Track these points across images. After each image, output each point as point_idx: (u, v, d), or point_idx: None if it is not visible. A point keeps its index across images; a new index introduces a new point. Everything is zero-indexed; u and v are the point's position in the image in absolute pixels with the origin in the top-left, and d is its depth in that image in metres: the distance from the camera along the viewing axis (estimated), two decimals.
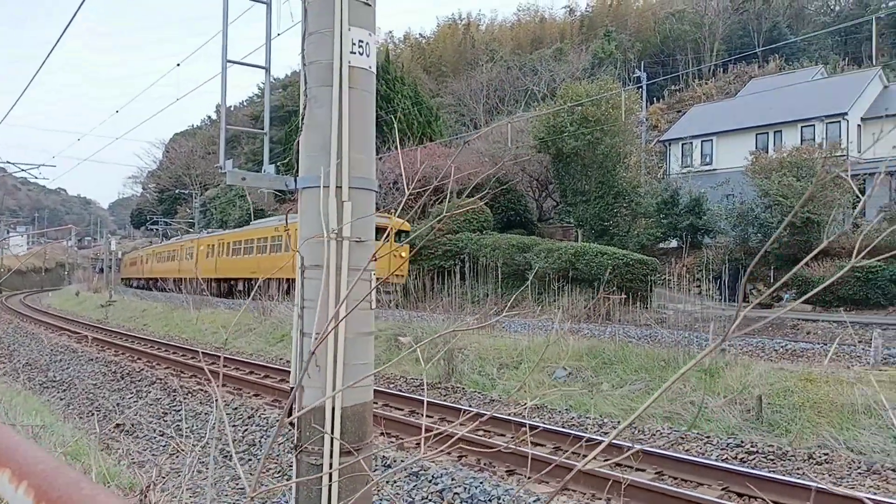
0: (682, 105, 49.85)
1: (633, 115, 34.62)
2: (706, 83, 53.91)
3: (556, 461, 4.43)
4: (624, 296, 16.00)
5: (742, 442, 8.06)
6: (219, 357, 15.61)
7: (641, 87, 38.71)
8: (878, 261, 20.63)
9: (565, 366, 12.01)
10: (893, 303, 20.51)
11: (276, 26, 6.53)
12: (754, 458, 7.61)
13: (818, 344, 13.47)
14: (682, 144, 38.67)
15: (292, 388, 5.04)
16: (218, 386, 2.28)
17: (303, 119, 5.78)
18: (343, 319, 4.81)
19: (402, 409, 9.66)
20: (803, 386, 9.60)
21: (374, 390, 10.94)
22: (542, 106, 39.47)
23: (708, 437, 8.27)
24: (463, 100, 53.60)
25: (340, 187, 5.37)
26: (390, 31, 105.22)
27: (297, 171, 5.98)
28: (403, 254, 24.37)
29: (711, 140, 37.57)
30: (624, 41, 57.87)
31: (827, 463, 7.36)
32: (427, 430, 3.11)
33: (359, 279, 5.35)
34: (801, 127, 34.08)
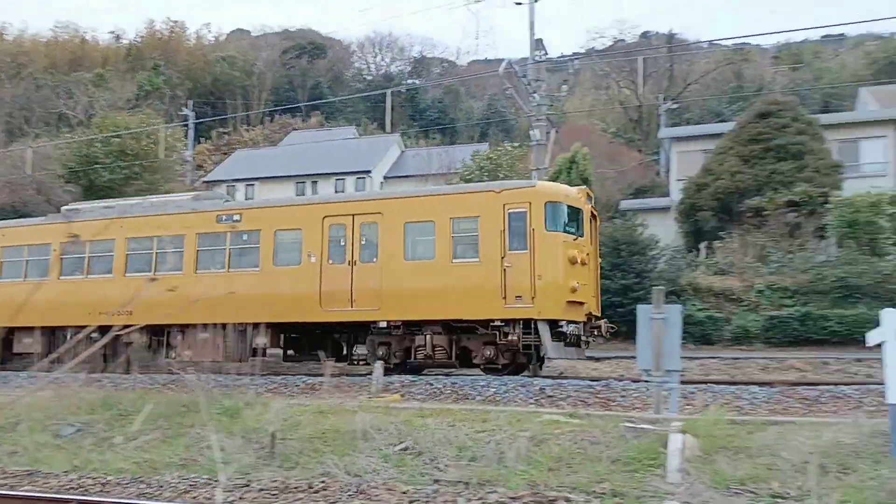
0: (229, 147, 50.57)
1: (175, 153, 33.83)
2: (253, 129, 55.80)
3: None
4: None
5: (251, 480, 8.20)
6: None
7: (188, 125, 38.17)
8: None
9: (74, 421, 10.80)
10: None
11: None
12: (261, 495, 7.80)
13: (333, 378, 14.65)
14: (227, 186, 39.28)
15: None
16: None
17: None
18: None
19: None
20: (314, 418, 10.33)
21: None
22: (75, 132, 35.92)
23: (217, 480, 8.21)
24: None
25: None
26: None
27: None
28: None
29: (254, 184, 39.02)
30: (173, 77, 56.42)
31: (324, 490, 7.93)
32: None
33: None
34: (335, 179, 37.79)
